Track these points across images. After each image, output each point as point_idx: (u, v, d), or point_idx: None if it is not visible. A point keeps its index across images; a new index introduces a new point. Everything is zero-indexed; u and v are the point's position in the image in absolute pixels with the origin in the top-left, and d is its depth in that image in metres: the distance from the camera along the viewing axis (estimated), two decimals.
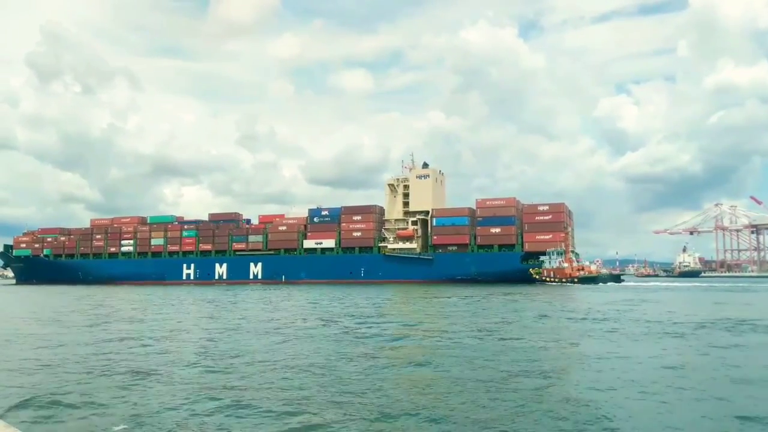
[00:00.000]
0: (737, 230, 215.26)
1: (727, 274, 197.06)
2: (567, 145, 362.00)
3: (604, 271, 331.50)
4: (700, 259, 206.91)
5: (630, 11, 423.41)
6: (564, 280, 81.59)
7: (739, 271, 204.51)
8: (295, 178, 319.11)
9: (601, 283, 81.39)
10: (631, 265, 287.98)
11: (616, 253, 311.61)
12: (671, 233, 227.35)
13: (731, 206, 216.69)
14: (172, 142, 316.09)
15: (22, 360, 17.92)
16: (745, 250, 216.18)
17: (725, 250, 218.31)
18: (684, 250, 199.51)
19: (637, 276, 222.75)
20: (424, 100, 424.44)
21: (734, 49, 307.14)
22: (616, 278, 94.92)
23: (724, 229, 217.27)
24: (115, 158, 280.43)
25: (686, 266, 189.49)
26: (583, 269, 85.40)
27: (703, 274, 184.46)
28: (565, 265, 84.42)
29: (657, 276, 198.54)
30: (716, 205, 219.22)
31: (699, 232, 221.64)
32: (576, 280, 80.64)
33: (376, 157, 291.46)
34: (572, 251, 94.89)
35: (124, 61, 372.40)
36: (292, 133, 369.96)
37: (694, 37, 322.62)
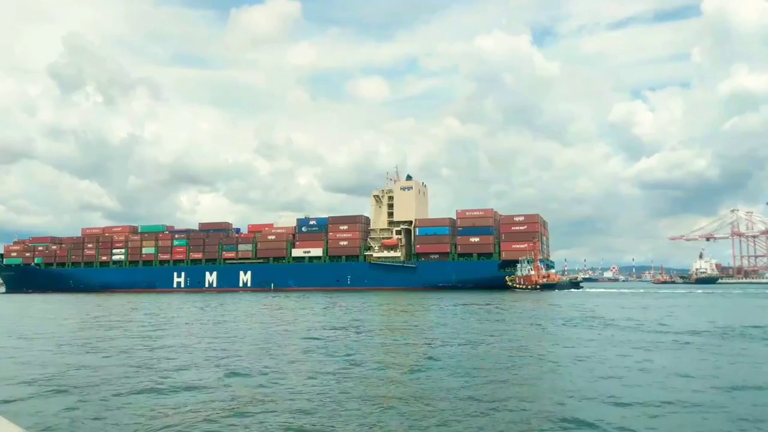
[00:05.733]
0: (754, 236, 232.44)
1: (744, 280, 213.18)
2: (582, 151, 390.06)
3: (621, 278, 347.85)
4: (717, 266, 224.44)
5: (646, 18, 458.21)
6: (530, 286, 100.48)
7: (756, 278, 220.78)
8: (312, 185, 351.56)
9: (557, 290, 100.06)
10: (647, 272, 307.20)
11: (633, 259, 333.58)
12: (687, 239, 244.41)
13: (747, 212, 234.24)
14: (191, 151, 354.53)
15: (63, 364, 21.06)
16: (762, 256, 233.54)
17: (742, 257, 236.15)
18: (700, 257, 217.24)
19: (653, 282, 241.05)
20: (440, 106, 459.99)
21: (748, 54, 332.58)
22: (575, 284, 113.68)
23: (740, 235, 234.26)
24: (134, 167, 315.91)
25: (703, 273, 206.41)
26: (548, 277, 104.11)
27: (720, 281, 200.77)
28: (533, 272, 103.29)
29: (674, 283, 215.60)
30: (732, 211, 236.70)
31: (715, 238, 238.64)
32: (538, 286, 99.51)
33: (392, 164, 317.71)
34: (543, 259, 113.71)
35: (146, 70, 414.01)
36: (309, 140, 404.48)
37: (708, 44, 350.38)
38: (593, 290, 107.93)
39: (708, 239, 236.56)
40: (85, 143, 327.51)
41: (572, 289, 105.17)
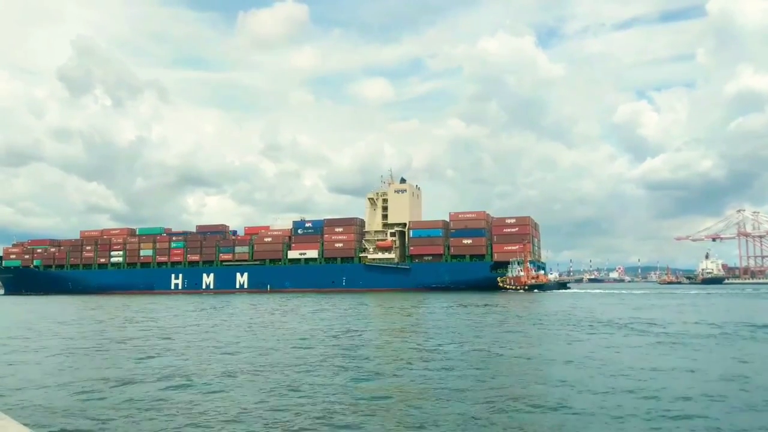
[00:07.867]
0: (760, 236, 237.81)
1: (750, 280, 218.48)
2: (586, 152, 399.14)
3: (627, 278, 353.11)
4: (723, 266, 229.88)
5: (651, 18, 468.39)
6: (519, 287, 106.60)
7: (763, 278, 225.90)
8: (317, 186, 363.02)
9: (546, 290, 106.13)
10: (653, 272, 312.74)
11: (638, 260, 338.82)
12: (693, 240, 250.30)
13: (754, 212, 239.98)
14: (197, 153, 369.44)
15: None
16: None
17: (748, 257, 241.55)
18: (707, 257, 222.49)
19: (659, 283, 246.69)
20: (444, 107, 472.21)
21: (753, 55, 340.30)
22: (563, 285, 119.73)
23: (746, 235, 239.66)
24: (141, 169, 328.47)
25: (709, 273, 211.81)
26: (536, 278, 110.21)
27: (726, 281, 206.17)
28: (522, 274, 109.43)
29: (680, 283, 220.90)
30: (738, 211, 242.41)
31: (721, 238, 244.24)
32: (527, 287, 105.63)
33: (397, 165, 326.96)
34: (534, 261, 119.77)
35: (153, 73, 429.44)
36: (314, 142, 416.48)
37: (713, 44, 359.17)
38: (580, 291, 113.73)
39: (714, 239, 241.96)
40: (93, 145, 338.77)
41: (560, 290, 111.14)
